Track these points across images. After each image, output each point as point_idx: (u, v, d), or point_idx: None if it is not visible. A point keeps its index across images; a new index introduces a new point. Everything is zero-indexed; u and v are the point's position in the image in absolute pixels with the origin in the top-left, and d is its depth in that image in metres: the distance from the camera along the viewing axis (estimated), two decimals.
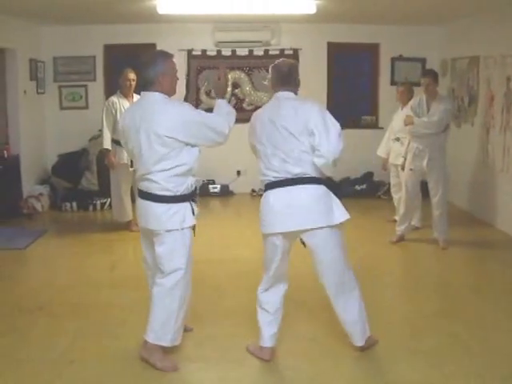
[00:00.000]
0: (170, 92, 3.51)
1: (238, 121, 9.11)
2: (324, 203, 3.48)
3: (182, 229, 3.46)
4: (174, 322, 3.52)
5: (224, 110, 3.58)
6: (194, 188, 3.57)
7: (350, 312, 3.61)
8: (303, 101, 3.57)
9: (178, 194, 3.45)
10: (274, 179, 3.49)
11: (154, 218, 3.49)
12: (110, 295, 4.74)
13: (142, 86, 3.52)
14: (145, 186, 3.51)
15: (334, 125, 3.44)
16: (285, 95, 3.57)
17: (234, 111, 3.63)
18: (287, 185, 3.45)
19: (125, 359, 3.62)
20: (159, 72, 3.41)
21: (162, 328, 3.52)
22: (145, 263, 3.79)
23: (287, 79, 3.60)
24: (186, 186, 3.47)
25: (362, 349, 3.69)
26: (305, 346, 3.87)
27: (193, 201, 3.56)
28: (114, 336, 3.95)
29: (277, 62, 3.68)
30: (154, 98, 3.44)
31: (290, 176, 3.44)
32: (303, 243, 3.55)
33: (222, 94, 3.69)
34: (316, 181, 3.47)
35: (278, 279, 3.67)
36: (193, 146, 3.45)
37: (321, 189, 3.49)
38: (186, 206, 3.49)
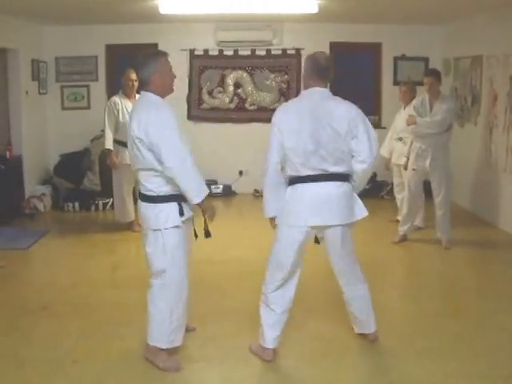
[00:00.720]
0: (163, 91, 3.49)
1: (239, 121, 9.11)
2: (350, 200, 3.54)
3: (166, 229, 3.42)
4: (168, 324, 3.49)
5: (196, 180, 3.39)
6: None
7: (362, 300, 3.71)
8: (342, 101, 3.58)
9: (162, 194, 3.42)
10: (304, 175, 3.46)
11: (142, 217, 3.54)
12: (112, 295, 4.74)
13: (140, 86, 3.58)
14: (139, 185, 3.57)
15: (372, 130, 3.52)
16: (323, 93, 3.55)
17: (202, 189, 3.41)
18: (320, 180, 3.45)
19: (128, 359, 3.63)
20: (151, 72, 3.43)
21: (157, 330, 3.52)
22: (146, 263, 3.78)
23: (324, 73, 3.55)
24: (170, 186, 3.40)
25: (373, 338, 3.75)
26: (307, 345, 3.87)
27: (186, 202, 3.47)
28: (117, 336, 3.95)
29: (314, 53, 3.60)
30: (143, 98, 3.50)
31: (324, 173, 3.44)
32: (317, 240, 3.58)
33: (206, 212, 3.51)
34: (346, 178, 3.51)
35: (290, 276, 3.61)
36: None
37: (349, 186, 3.53)
38: (170, 206, 3.43)
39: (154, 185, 3.42)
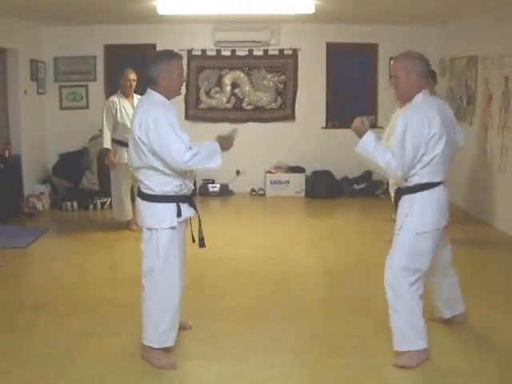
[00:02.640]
0: (169, 93, 3.50)
1: (237, 120, 9.16)
2: None
3: (162, 229, 3.43)
4: (158, 324, 3.50)
5: (207, 150, 3.42)
6: (186, 189, 3.53)
7: (453, 279, 3.98)
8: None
9: (161, 193, 3.44)
10: (441, 179, 3.53)
11: (139, 214, 3.58)
12: (111, 293, 4.77)
13: (147, 84, 3.55)
14: (137, 183, 3.62)
15: None
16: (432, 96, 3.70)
17: (215, 161, 3.46)
18: (442, 183, 3.55)
19: (126, 357, 3.66)
20: (160, 71, 3.43)
21: (147, 329, 3.55)
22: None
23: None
24: (171, 186, 3.43)
25: (465, 318, 4.01)
26: (305, 343, 3.90)
27: (185, 202, 3.51)
28: (115, 334, 3.98)
29: (417, 53, 3.55)
30: (146, 97, 3.52)
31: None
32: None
33: (225, 148, 3.53)
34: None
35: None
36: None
37: None
38: (168, 207, 3.44)
39: (154, 183, 3.44)
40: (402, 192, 3.60)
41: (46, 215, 7.72)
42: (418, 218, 3.48)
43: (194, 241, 3.69)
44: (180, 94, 3.61)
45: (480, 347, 3.80)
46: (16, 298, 4.72)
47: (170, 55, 3.53)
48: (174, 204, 3.46)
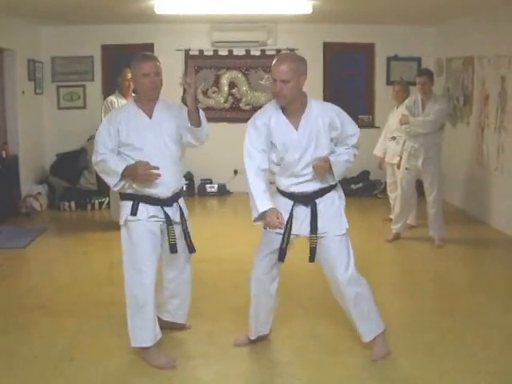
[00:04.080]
0: (141, 95, 3.56)
1: (234, 120, 9.14)
2: None
3: (122, 225, 3.54)
4: (129, 321, 3.55)
5: (112, 166, 3.49)
6: (132, 189, 3.52)
7: None
8: None
9: (122, 191, 3.57)
10: None
11: None
12: (109, 293, 4.76)
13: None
14: None
15: None
16: None
17: (108, 180, 3.57)
18: None
19: (125, 357, 3.66)
20: (132, 76, 3.65)
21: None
22: None
23: None
24: (122, 184, 3.50)
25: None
26: (304, 342, 3.91)
27: (148, 203, 3.52)
28: (113, 334, 3.98)
29: (293, 53, 3.67)
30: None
31: None
32: None
33: (128, 175, 3.47)
34: None
35: None
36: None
37: None
38: (122, 204, 3.58)
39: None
40: None
41: (43, 215, 7.72)
42: None
43: (193, 250, 3.73)
44: (154, 96, 3.54)
45: (478, 345, 3.81)
46: (14, 298, 4.72)
47: (137, 58, 3.55)
48: (130, 202, 3.52)
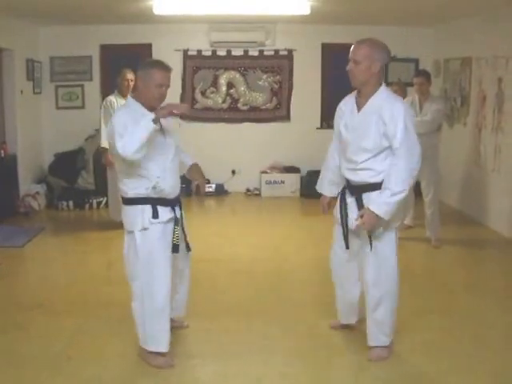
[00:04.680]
0: (145, 102, 3.40)
1: (232, 121, 9.16)
2: None
3: (138, 231, 3.41)
4: (146, 327, 3.50)
5: (134, 126, 3.24)
6: (157, 190, 3.42)
7: None
8: None
9: (129, 196, 3.43)
10: None
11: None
12: (107, 293, 4.78)
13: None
14: None
15: None
16: None
17: (143, 126, 3.21)
18: None
19: (123, 356, 3.68)
20: (139, 77, 3.45)
21: (138, 331, 3.57)
22: None
23: None
24: (139, 188, 3.39)
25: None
26: (302, 341, 3.93)
27: (164, 205, 3.46)
28: (112, 333, 4.00)
29: (382, 42, 3.57)
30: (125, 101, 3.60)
31: None
32: None
33: (160, 114, 3.29)
34: None
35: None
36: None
37: None
38: (137, 209, 3.41)
39: (124, 186, 3.45)
40: None
41: (41, 215, 7.73)
42: None
43: (189, 249, 3.73)
44: (157, 106, 3.37)
45: (475, 345, 3.84)
46: (12, 297, 4.74)
47: (150, 64, 3.47)
48: (149, 206, 3.41)
